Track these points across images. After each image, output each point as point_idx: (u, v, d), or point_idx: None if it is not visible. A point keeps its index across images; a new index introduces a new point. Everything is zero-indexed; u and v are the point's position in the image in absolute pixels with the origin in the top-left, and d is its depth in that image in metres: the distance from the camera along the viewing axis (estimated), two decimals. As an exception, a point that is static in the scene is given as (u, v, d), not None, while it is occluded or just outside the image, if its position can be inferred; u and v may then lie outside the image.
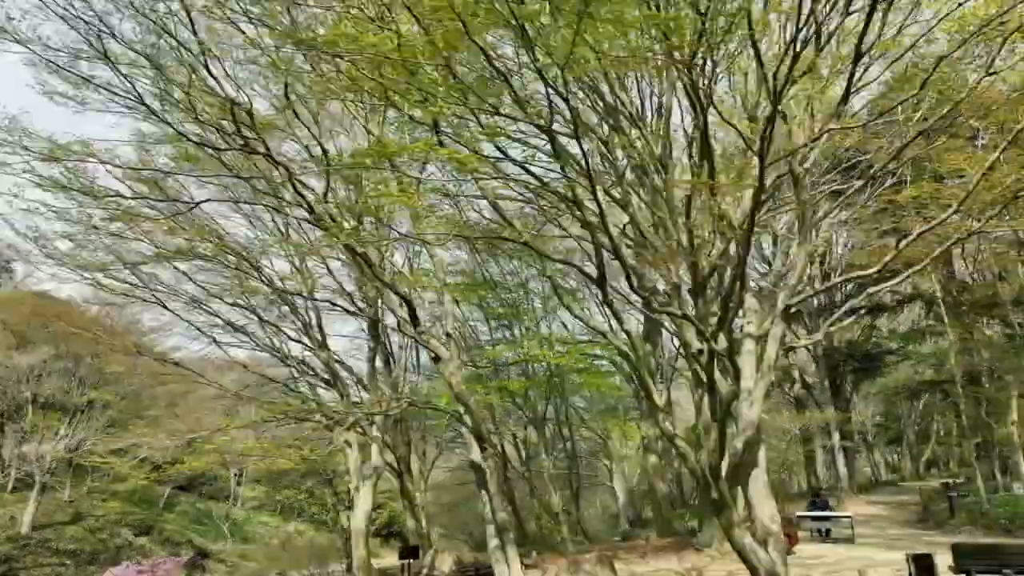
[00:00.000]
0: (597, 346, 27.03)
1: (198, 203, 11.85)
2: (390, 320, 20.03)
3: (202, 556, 38.77)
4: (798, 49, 7.00)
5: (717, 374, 12.02)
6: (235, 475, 53.64)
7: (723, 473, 10.17)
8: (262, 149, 9.85)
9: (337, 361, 22.66)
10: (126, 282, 14.49)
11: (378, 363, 21.84)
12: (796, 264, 9.89)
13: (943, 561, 12.18)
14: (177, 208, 11.87)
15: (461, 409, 14.02)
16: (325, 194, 12.52)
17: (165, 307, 15.12)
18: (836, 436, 36.79)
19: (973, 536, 21.37)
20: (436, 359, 14.44)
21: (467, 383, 25.32)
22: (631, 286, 8.28)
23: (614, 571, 15.83)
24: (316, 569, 28.22)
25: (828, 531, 22.38)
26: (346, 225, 12.12)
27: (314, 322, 18.30)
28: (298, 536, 48.01)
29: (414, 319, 13.88)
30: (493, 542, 14.27)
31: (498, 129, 8.15)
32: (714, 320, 12.45)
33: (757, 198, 7.15)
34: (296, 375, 19.51)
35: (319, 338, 18.25)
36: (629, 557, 22.37)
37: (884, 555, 18.77)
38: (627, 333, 9.71)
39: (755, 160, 11.30)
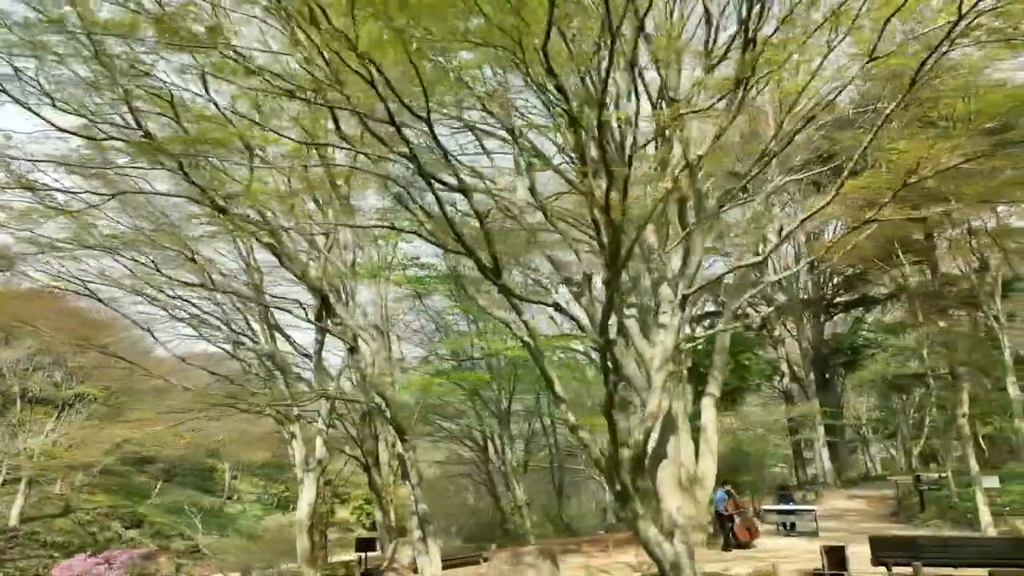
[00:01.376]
0: (571, 339, 26.92)
1: (113, 195, 11.86)
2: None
3: (193, 550, 39.13)
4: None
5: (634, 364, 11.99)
6: (229, 469, 54.22)
7: (624, 465, 10.10)
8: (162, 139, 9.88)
9: (304, 355, 22.76)
10: (59, 275, 14.60)
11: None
12: (693, 253, 9.78)
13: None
14: (96, 199, 11.92)
15: (382, 402, 13.99)
16: (249, 185, 12.54)
17: (99, 300, 15.24)
18: (821, 430, 36.49)
19: (938, 529, 21.21)
20: (352, 350, 14.43)
21: (433, 376, 25.44)
22: (485, 273, 8.16)
23: (556, 564, 15.76)
24: (290, 562, 28.35)
25: (793, 525, 22.22)
26: (268, 216, 12.10)
27: (258, 315, 18.27)
28: (290, 528, 48.40)
29: (328, 310, 13.90)
30: (416, 533, 14.26)
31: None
32: (631, 311, 12.42)
33: (619, 182, 7.06)
34: (246, 369, 19.56)
35: (265, 332, 18.21)
36: (591, 551, 22.36)
37: (841, 548, 18.68)
38: (525, 323, 9.64)
39: (677, 149, 11.24)
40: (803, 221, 9.27)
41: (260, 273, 17.54)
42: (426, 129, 8.38)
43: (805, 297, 41.47)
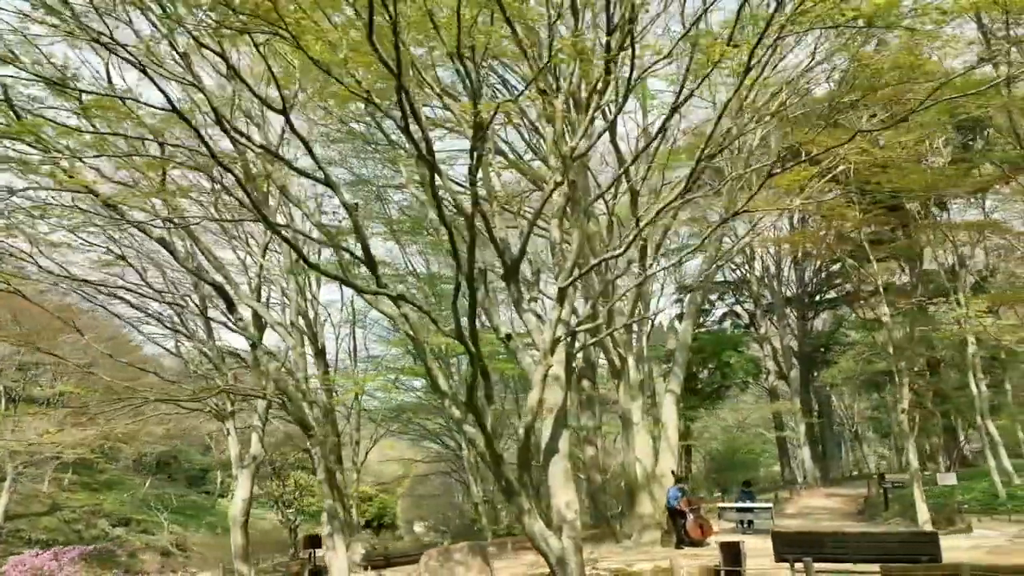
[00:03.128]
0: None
1: (13, 193, 11.90)
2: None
3: (165, 552, 39.59)
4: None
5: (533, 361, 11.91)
6: (223, 467, 54.52)
7: (507, 459, 10.04)
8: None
9: (268, 352, 22.90)
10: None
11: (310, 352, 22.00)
12: (572, 246, 9.71)
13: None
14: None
15: (285, 397, 14.00)
16: (163, 180, 12.59)
17: (25, 297, 15.28)
18: (801, 427, 36.16)
19: (897, 526, 21.03)
20: (254, 346, 14.48)
21: (394, 372, 25.48)
22: (308, 264, 8.14)
23: (487, 562, 15.73)
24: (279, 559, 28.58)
25: (751, 522, 22.04)
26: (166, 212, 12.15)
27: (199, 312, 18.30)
28: (281, 527, 48.75)
29: (229, 306, 13.92)
30: (326, 529, 14.27)
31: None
32: (532, 305, 12.35)
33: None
34: (185, 366, 19.66)
35: (203, 327, 18.24)
36: (544, 548, 22.30)
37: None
38: (405, 317, 9.59)
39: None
40: (658, 213, 9.18)
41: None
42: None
43: (788, 295, 41.14)
